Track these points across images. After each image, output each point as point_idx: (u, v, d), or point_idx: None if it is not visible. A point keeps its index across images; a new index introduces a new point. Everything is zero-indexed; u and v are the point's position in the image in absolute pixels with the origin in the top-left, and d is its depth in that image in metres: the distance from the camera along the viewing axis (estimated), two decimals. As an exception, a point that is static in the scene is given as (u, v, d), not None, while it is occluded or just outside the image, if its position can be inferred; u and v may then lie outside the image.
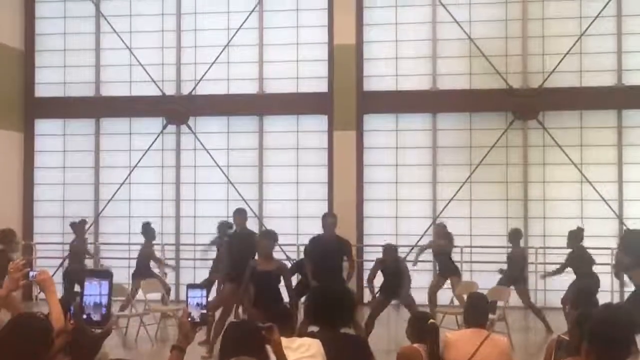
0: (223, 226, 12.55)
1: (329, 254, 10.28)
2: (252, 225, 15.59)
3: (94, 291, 2.43)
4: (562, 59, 14.98)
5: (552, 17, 15.27)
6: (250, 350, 3.46)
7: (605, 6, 14.94)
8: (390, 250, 11.23)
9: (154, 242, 13.03)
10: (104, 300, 2.44)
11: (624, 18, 15.06)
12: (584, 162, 14.89)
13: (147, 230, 12.80)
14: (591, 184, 14.74)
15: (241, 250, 10.15)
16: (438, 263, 13.04)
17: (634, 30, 15.03)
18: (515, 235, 12.50)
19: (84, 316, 2.41)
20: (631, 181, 14.85)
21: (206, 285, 12.64)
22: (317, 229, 12.00)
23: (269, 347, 3.82)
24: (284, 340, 3.83)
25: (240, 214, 11.06)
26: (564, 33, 15.11)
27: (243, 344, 3.54)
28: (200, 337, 9.96)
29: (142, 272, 12.52)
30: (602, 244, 13.20)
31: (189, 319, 2.99)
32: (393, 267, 10.92)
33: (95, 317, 2.43)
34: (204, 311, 3.02)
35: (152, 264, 13.01)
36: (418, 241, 14.80)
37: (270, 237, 9.48)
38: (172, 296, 14.58)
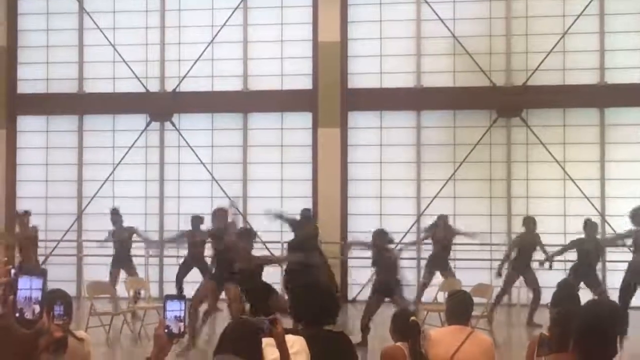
0: (195, 220, 12.88)
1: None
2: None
3: (25, 285, 2.38)
4: (546, 57, 15.05)
5: (535, 16, 15.34)
6: (246, 350, 3.46)
7: (588, 5, 15.02)
8: (379, 235, 10.86)
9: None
10: (35, 295, 2.38)
11: (607, 17, 15.15)
12: (567, 160, 14.97)
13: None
14: (574, 182, 14.83)
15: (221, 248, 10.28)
16: (441, 259, 12.95)
17: (616, 29, 15.12)
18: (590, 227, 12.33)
19: (17, 314, 2.35)
20: (613, 179, 14.94)
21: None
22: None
23: (269, 343, 3.81)
24: (267, 339, 3.83)
25: (221, 212, 10.98)
26: (548, 31, 15.19)
27: (240, 343, 3.53)
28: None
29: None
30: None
31: (166, 332, 2.93)
32: (384, 258, 10.67)
33: (28, 314, 2.38)
34: (182, 324, 2.96)
35: None
36: (402, 238, 14.82)
37: (248, 237, 9.55)
38: (156, 292, 14.55)
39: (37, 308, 2.35)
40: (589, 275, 11.77)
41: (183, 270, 13.31)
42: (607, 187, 14.97)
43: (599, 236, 12.57)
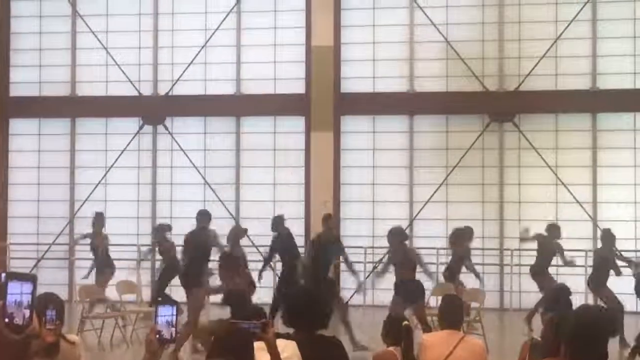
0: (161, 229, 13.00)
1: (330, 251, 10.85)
2: (229, 226, 15.59)
3: (16, 290, 2.36)
4: (538, 62, 15.10)
5: (528, 21, 15.38)
6: (238, 355, 3.46)
7: (580, 10, 15.08)
8: (394, 234, 10.38)
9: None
10: (25, 299, 2.36)
11: (599, 22, 15.21)
12: (559, 165, 15.01)
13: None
14: (566, 187, 14.87)
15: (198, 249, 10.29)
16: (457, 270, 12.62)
17: (609, 35, 15.18)
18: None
19: (6, 319, 2.32)
20: (605, 184, 14.99)
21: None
22: (293, 230, 12.13)
23: (261, 347, 3.81)
24: (258, 343, 3.83)
25: (203, 216, 10.91)
26: (540, 36, 15.24)
27: (232, 348, 3.53)
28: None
29: None
30: (576, 246, 13.32)
31: (157, 337, 2.93)
32: (400, 258, 10.28)
33: (18, 320, 2.35)
34: (174, 329, 2.96)
35: None
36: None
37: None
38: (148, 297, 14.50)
39: (27, 313, 2.32)
40: (605, 285, 11.66)
41: (164, 282, 13.14)
42: (598, 192, 15.01)
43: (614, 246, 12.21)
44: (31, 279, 2.37)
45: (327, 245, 10.91)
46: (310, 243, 11.39)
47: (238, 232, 10.95)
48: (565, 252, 12.40)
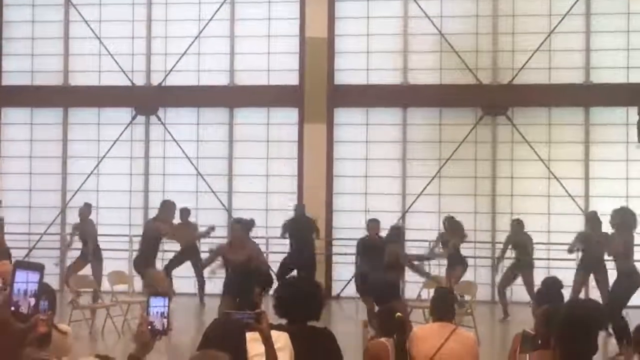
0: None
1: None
2: (221, 217, 15.60)
3: (22, 279, 2.36)
4: (532, 55, 15.10)
5: (522, 14, 15.39)
6: (230, 346, 3.46)
7: (574, 4, 15.08)
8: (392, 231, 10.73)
9: None
10: (31, 288, 2.37)
11: (592, 16, 15.22)
12: (552, 159, 15.04)
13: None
14: (558, 180, 14.90)
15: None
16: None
17: (602, 29, 15.19)
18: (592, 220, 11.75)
19: (12, 307, 2.33)
20: (597, 178, 15.03)
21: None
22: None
23: (254, 338, 3.80)
24: (252, 334, 3.83)
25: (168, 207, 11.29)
26: (534, 30, 15.24)
27: (224, 339, 3.53)
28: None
29: None
30: (567, 239, 13.32)
31: (149, 328, 2.92)
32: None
33: (23, 308, 2.36)
34: (166, 320, 2.96)
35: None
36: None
37: (243, 224, 9.77)
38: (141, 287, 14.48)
39: (32, 301, 2.33)
40: (599, 270, 11.47)
41: (175, 262, 13.40)
42: (591, 186, 15.05)
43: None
44: (39, 268, 2.37)
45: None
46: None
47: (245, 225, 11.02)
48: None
